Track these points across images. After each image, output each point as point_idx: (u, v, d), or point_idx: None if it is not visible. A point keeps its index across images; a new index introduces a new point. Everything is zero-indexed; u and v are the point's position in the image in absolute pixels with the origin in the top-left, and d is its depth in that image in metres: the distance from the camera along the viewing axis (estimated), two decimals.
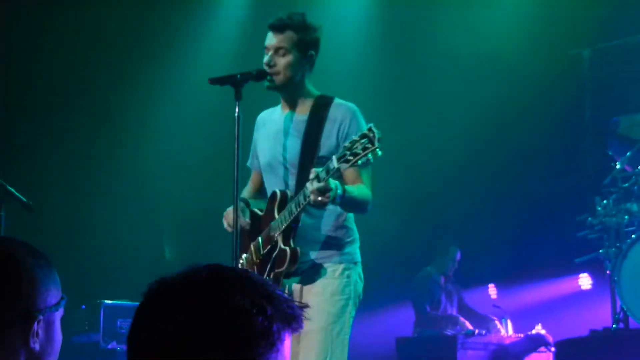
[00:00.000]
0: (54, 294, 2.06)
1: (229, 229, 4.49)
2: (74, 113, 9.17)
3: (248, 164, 4.80)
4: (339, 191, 4.14)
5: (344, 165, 4.03)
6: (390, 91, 9.41)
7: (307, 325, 4.42)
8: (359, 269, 4.54)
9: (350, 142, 4.02)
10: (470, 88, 9.46)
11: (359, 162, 3.99)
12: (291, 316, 1.60)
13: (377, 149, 3.95)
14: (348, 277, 4.44)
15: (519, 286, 9.78)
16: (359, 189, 4.33)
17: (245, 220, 4.53)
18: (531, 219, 9.64)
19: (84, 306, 7.79)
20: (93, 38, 9.09)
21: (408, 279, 9.43)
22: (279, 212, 4.37)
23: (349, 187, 4.24)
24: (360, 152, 3.97)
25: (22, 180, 6.79)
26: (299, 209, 4.23)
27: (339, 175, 4.39)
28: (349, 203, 4.29)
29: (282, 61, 4.42)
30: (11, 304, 1.98)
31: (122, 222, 9.07)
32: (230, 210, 4.50)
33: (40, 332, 2.01)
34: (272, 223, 4.40)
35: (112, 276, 8.35)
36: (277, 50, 4.43)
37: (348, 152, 3.99)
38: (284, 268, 4.32)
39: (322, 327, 4.33)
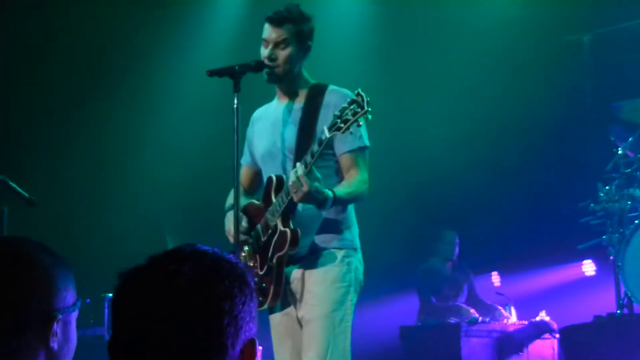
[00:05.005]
0: (71, 294, 2.07)
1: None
2: (75, 107, 9.17)
3: (241, 160, 4.77)
4: (328, 204, 4.20)
5: (336, 134, 4.07)
6: (387, 78, 9.37)
7: (309, 313, 4.46)
8: (359, 255, 4.53)
9: (339, 110, 4.08)
10: (469, 75, 9.43)
11: (351, 127, 4.04)
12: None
13: (368, 113, 4.00)
14: (348, 264, 4.44)
15: (522, 273, 9.78)
16: (351, 186, 4.36)
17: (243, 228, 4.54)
18: (533, 205, 9.62)
19: (88, 300, 7.80)
20: (91, 33, 9.09)
21: (412, 266, 9.40)
22: (276, 196, 4.39)
23: (339, 191, 4.28)
24: (351, 117, 4.02)
25: (23, 175, 6.81)
26: (289, 197, 4.25)
27: (335, 160, 4.41)
28: (341, 204, 4.35)
29: (282, 54, 4.45)
30: (31, 306, 1.97)
31: (124, 214, 9.08)
32: (230, 227, 4.53)
33: (58, 332, 2.01)
34: (270, 208, 4.41)
35: (115, 269, 8.34)
36: (277, 43, 4.45)
37: (339, 120, 4.05)
38: (285, 250, 4.33)
39: (323, 314, 4.34)
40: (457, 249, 9.30)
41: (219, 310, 1.65)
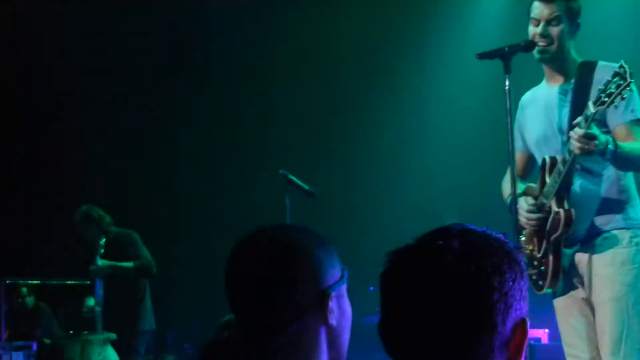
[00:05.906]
0: (337, 269, 2.11)
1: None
2: (352, 101, 9.45)
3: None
4: (610, 146, 4.01)
5: (600, 108, 3.94)
6: None
7: (599, 297, 4.32)
8: None
9: (603, 84, 3.95)
10: None
11: (615, 101, 3.91)
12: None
13: (631, 84, 3.87)
14: (637, 244, 4.28)
15: None
16: (633, 145, 4.16)
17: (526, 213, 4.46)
18: None
19: (372, 288, 7.97)
20: (366, 30, 9.35)
21: None
22: (549, 177, 4.32)
23: (621, 143, 4.09)
24: (615, 91, 3.90)
25: (304, 169, 7.07)
26: (566, 166, 4.16)
27: (608, 132, 4.26)
28: (621, 159, 4.13)
29: (555, 31, 4.36)
30: (306, 289, 2.04)
31: (402, 203, 9.21)
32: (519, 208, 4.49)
33: (334, 308, 2.07)
34: (544, 190, 4.35)
35: None
36: (549, 21, 4.37)
37: (603, 95, 3.93)
38: (559, 231, 4.25)
39: (615, 297, 4.21)
40: None
41: (488, 286, 1.60)
